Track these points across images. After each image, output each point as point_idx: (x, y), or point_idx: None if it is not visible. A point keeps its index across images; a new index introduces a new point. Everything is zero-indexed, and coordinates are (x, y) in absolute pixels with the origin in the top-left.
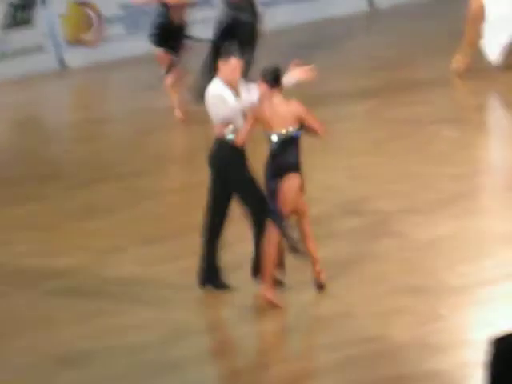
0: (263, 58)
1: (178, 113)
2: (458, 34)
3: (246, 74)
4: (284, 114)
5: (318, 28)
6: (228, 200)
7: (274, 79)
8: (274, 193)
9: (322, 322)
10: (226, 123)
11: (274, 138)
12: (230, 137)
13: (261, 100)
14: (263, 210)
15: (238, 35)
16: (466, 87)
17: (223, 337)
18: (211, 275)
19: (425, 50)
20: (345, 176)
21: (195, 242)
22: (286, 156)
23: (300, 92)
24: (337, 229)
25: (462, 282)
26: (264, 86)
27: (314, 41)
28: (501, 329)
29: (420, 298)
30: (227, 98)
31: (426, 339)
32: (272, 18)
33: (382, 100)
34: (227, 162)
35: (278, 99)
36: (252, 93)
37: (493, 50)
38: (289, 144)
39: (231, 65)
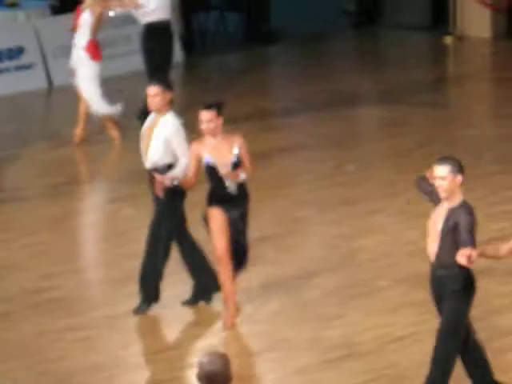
0: None
1: None
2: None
3: None
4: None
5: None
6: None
7: (220, 108)
8: (238, 223)
9: None
10: None
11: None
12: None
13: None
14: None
15: None
16: None
17: None
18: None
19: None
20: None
21: None
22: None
23: None
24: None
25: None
26: (212, 115)
27: None
28: None
29: (100, 376)
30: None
31: None
32: None
33: (61, 178)
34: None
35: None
36: None
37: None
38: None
39: (148, 92)
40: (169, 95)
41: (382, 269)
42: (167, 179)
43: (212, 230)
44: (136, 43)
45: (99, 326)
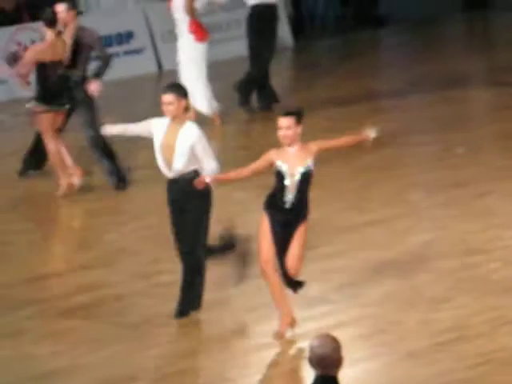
0: None
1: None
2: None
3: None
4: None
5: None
6: None
7: (299, 116)
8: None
9: None
10: None
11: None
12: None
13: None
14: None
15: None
16: None
17: None
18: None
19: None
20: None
21: None
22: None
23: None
24: (132, 290)
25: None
26: (291, 122)
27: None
28: None
29: (211, 359)
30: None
31: None
32: None
33: None
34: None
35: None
36: None
37: (202, 105)
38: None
39: (162, 100)
40: (184, 102)
41: (492, 251)
42: (207, 178)
43: (258, 235)
44: None
45: (209, 309)
